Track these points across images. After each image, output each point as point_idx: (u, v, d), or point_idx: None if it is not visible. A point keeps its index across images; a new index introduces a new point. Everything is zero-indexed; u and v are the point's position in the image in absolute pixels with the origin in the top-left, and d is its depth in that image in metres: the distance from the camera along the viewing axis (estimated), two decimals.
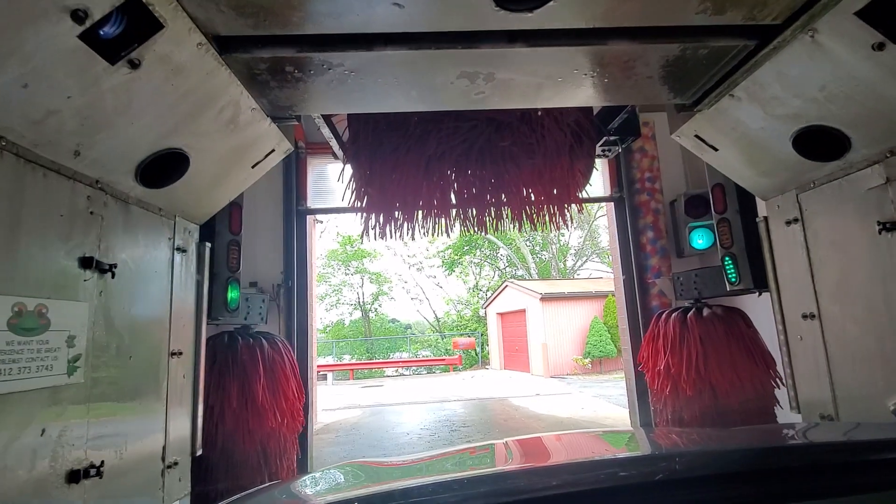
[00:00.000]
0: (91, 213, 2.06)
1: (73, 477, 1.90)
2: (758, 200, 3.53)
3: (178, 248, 2.68)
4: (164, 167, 2.33)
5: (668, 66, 2.37)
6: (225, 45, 2.02)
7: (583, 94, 2.61)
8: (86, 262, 2.00)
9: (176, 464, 2.56)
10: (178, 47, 1.85)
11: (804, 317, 2.91)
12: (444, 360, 20.35)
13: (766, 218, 3.21)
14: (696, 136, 3.07)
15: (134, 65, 1.79)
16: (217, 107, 2.23)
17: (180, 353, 2.66)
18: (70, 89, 1.73)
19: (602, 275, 24.22)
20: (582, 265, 26.59)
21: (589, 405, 9.71)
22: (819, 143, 2.58)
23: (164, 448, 2.46)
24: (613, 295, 16.76)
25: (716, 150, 3.07)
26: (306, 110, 2.58)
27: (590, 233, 26.19)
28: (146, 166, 2.23)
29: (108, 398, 2.10)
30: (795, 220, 2.96)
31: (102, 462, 2.01)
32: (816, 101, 2.40)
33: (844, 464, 0.98)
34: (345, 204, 4.38)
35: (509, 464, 1.34)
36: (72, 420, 1.92)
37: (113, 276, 2.13)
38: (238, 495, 1.34)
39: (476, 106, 2.63)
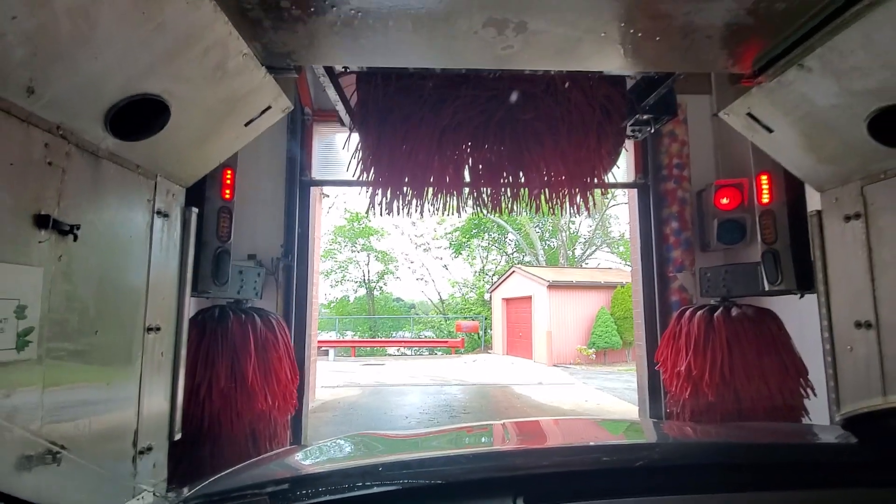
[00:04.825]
0: (49, 163, 1.77)
1: (24, 464, 1.66)
2: (807, 193, 3.17)
3: (158, 212, 2.38)
4: (140, 117, 2.02)
5: (734, 23, 2.00)
6: None
7: (627, 56, 2.25)
8: (41, 221, 1.71)
9: (150, 449, 2.32)
10: None
11: (857, 325, 2.58)
12: (446, 342, 20.22)
13: (819, 212, 2.85)
14: (749, 115, 2.70)
15: None
16: (200, 47, 1.91)
17: (158, 329, 2.39)
18: (15, 7, 1.42)
19: (611, 265, 23.78)
20: (591, 254, 26.14)
21: (592, 397, 9.48)
22: None
23: (135, 432, 2.21)
24: (622, 286, 16.49)
25: (770, 131, 2.70)
26: (307, 60, 2.25)
27: (601, 222, 25.65)
28: (118, 113, 1.92)
29: (67, 377, 1.84)
30: (857, 216, 2.60)
31: (60, 448, 1.76)
32: None
33: (794, 463, 1.11)
34: (352, 177, 4.06)
35: (508, 444, 1.42)
36: (22, 401, 1.66)
37: (76, 239, 1.84)
38: (248, 461, 1.35)
39: (502, 64, 2.28)
